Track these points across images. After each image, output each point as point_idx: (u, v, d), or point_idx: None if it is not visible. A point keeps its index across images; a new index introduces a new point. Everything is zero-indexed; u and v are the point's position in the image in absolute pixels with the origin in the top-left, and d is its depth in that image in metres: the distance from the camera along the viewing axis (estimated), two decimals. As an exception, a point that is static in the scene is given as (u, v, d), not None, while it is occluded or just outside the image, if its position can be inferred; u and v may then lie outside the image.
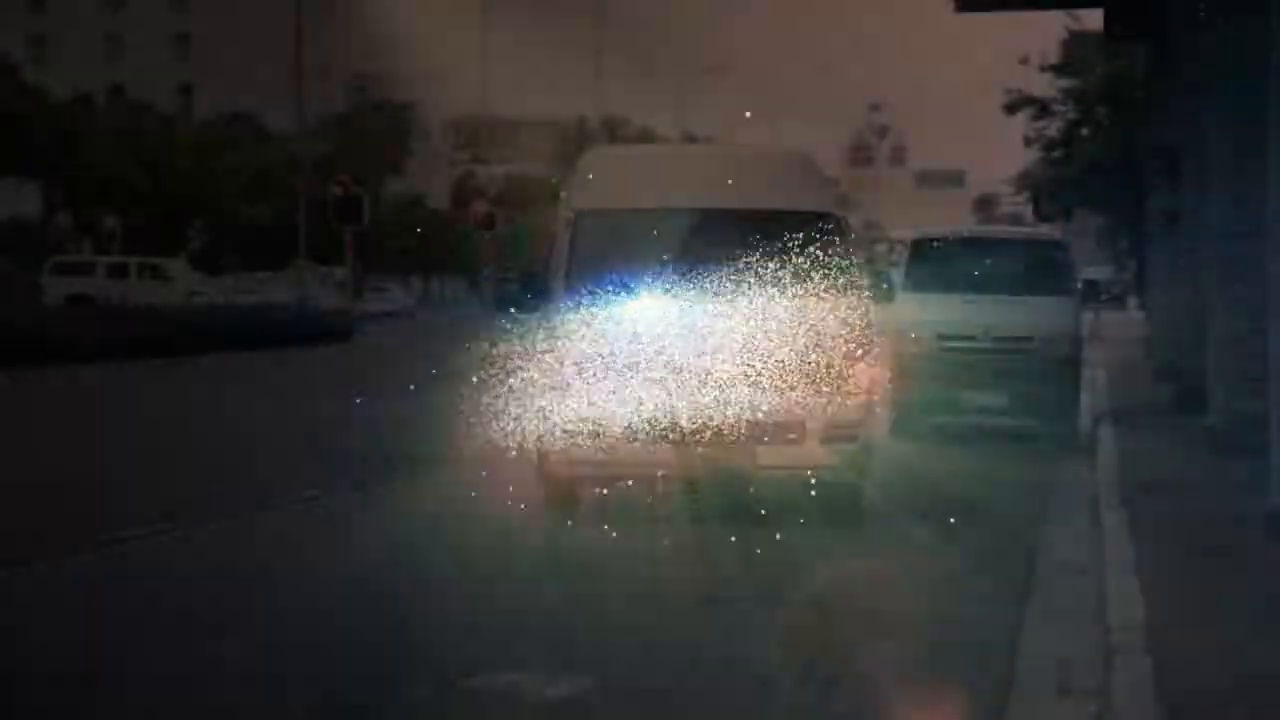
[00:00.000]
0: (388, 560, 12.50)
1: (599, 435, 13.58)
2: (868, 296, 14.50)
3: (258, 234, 79.34)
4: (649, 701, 8.46)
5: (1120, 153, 41.29)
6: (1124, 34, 32.72)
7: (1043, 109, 44.80)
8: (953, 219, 75.80)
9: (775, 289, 13.95)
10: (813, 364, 13.84)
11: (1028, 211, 56.83)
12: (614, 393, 13.54)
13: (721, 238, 14.31)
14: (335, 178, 60.41)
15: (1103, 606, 10.16)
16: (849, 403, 13.90)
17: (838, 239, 14.54)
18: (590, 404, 13.58)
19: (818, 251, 14.24)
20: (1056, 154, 46.66)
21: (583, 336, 13.56)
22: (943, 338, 22.55)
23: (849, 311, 14.11)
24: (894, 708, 8.34)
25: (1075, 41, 44.56)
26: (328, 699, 8.46)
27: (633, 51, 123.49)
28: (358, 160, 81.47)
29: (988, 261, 23.30)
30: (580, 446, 13.60)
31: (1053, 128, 45.39)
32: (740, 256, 14.07)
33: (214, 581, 11.74)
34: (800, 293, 14.02)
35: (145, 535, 13.44)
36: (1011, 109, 44.60)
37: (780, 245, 14.23)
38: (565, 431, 13.65)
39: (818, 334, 13.88)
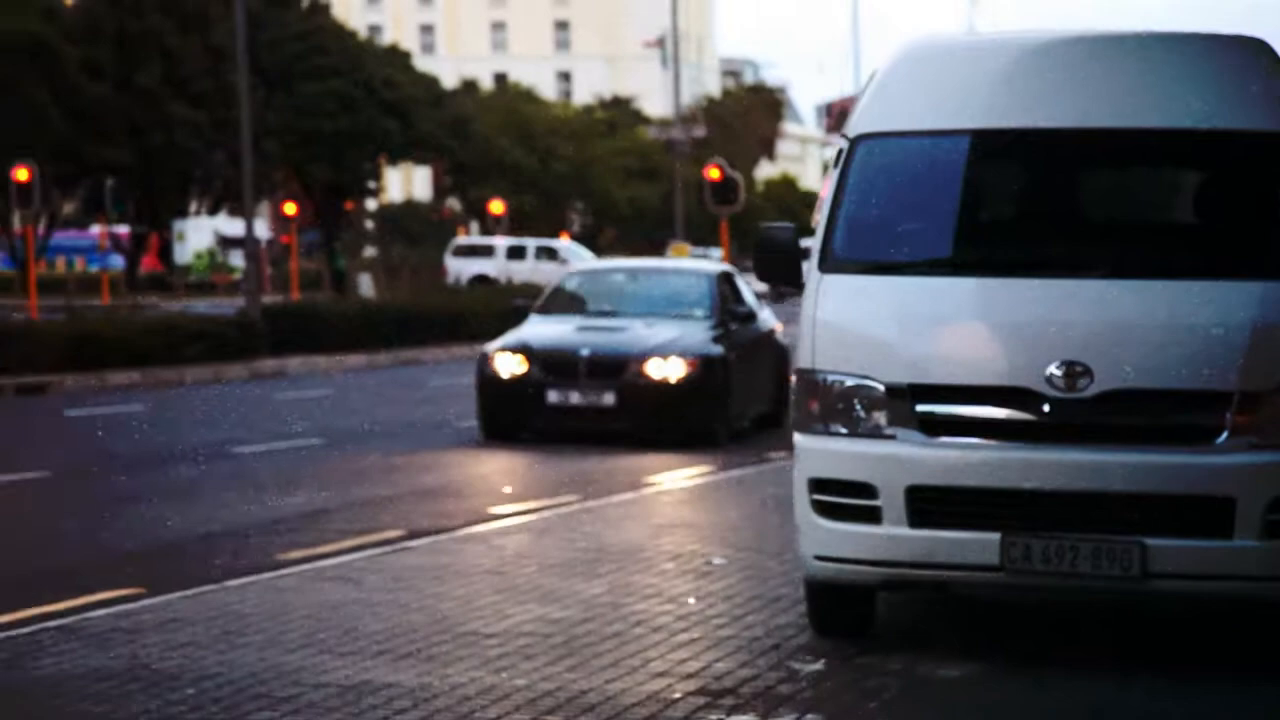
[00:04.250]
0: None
1: None
2: None
3: (635, 216, 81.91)
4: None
5: None
6: None
7: None
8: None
9: (1239, 259, 8.34)
10: None
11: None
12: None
13: (1135, 177, 9.23)
14: (710, 161, 62.44)
15: None
16: None
17: None
18: None
19: None
20: None
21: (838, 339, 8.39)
22: None
23: None
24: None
25: None
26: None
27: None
28: (732, 143, 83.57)
29: None
30: None
31: None
32: (1171, 208, 9.18)
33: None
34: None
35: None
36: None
37: (1237, 187, 8.67)
38: None
39: None
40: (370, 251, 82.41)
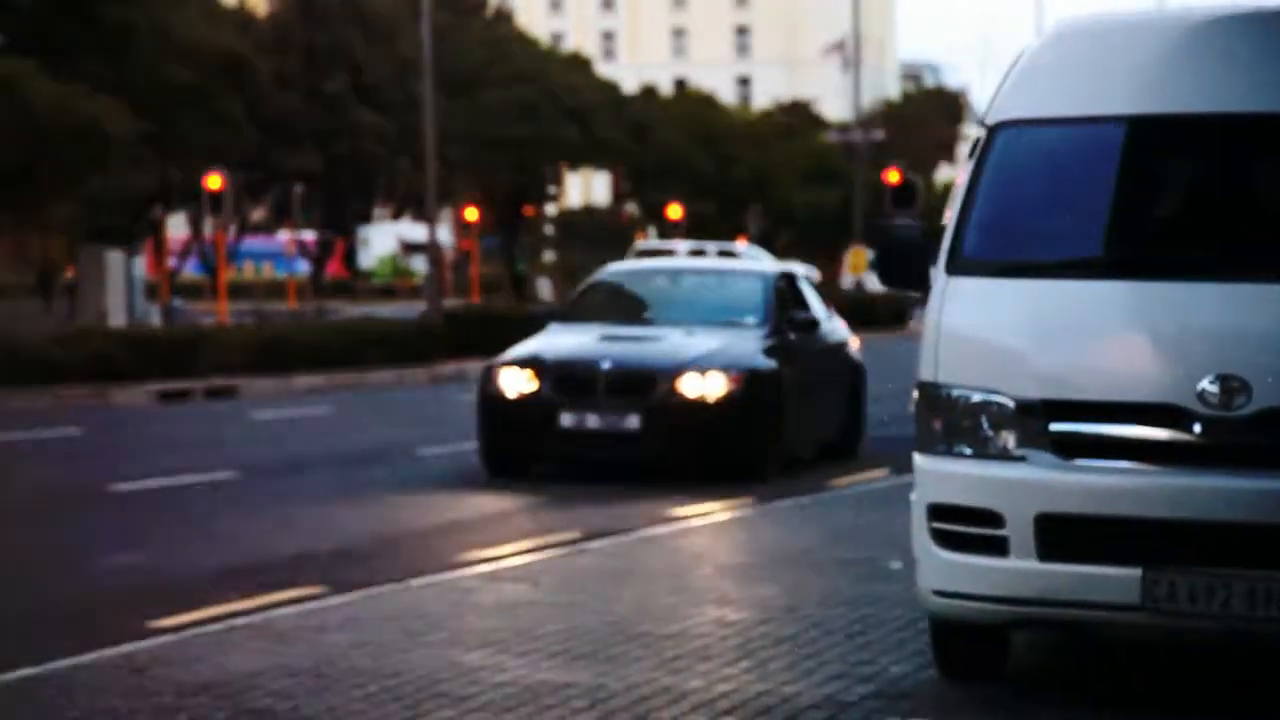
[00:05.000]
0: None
1: None
2: None
3: (813, 220, 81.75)
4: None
5: None
6: None
7: None
8: None
9: None
10: None
11: None
12: None
13: None
14: (889, 164, 62.25)
15: None
16: None
17: None
18: None
19: None
20: None
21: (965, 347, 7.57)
22: None
23: None
24: None
25: None
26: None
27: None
28: (911, 146, 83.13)
29: None
30: None
31: None
32: None
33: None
34: None
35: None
36: None
37: None
38: None
39: None
40: (550, 256, 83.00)
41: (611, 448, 15.83)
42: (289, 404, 26.00)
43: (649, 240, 72.76)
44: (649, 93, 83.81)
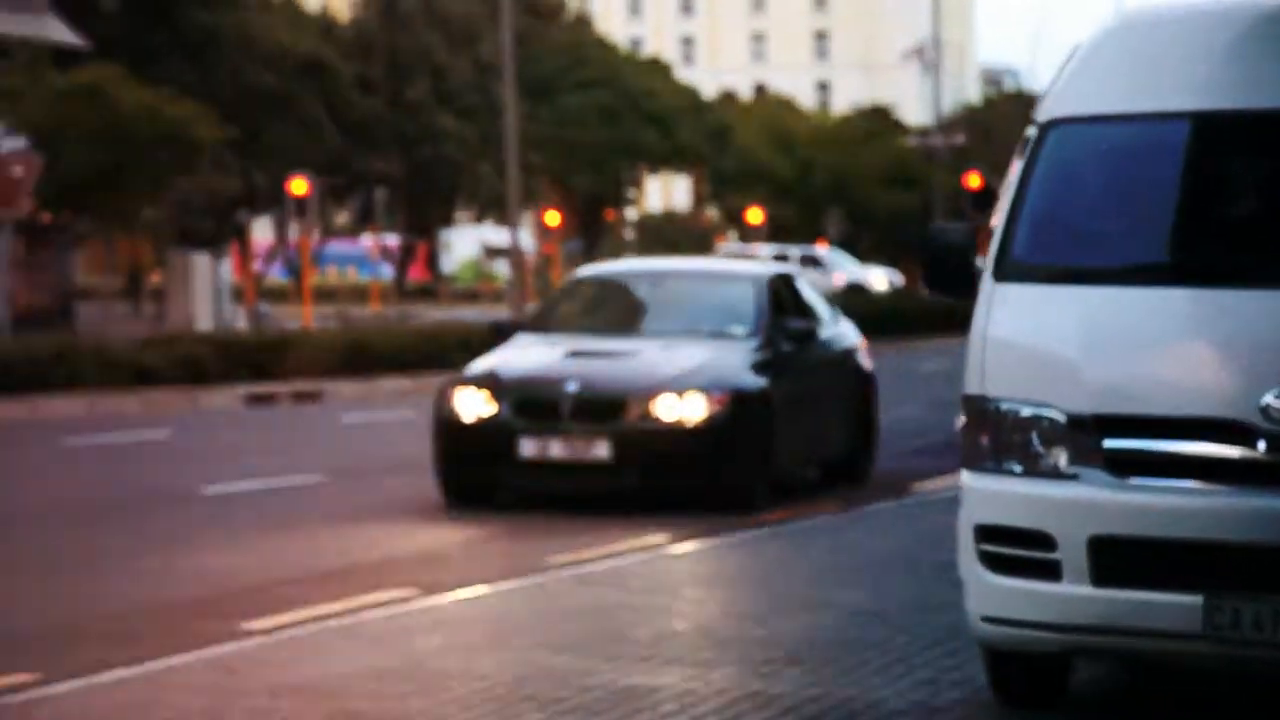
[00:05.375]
0: None
1: None
2: None
3: (893, 224, 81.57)
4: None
5: None
6: None
7: None
8: None
9: None
10: None
11: None
12: None
13: None
14: (968, 168, 62.03)
15: None
16: None
17: None
18: None
19: None
20: None
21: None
22: None
23: None
24: None
25: None
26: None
27: None
28: (991, 151, 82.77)
29: None
30: None
31: None
32: None
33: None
34: None
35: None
36: None
37: None
38: None
39: None
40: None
41: (578, 479, 14.26)
42: (374, 408, 26.16)
43: (730, 244, 72.77)
44: (728, 97, 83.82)
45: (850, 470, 16.16)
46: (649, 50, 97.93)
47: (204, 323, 41.05)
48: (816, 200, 79.02)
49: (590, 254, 68.85)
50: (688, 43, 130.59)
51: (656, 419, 14.18)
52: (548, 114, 64.92)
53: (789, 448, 14.87)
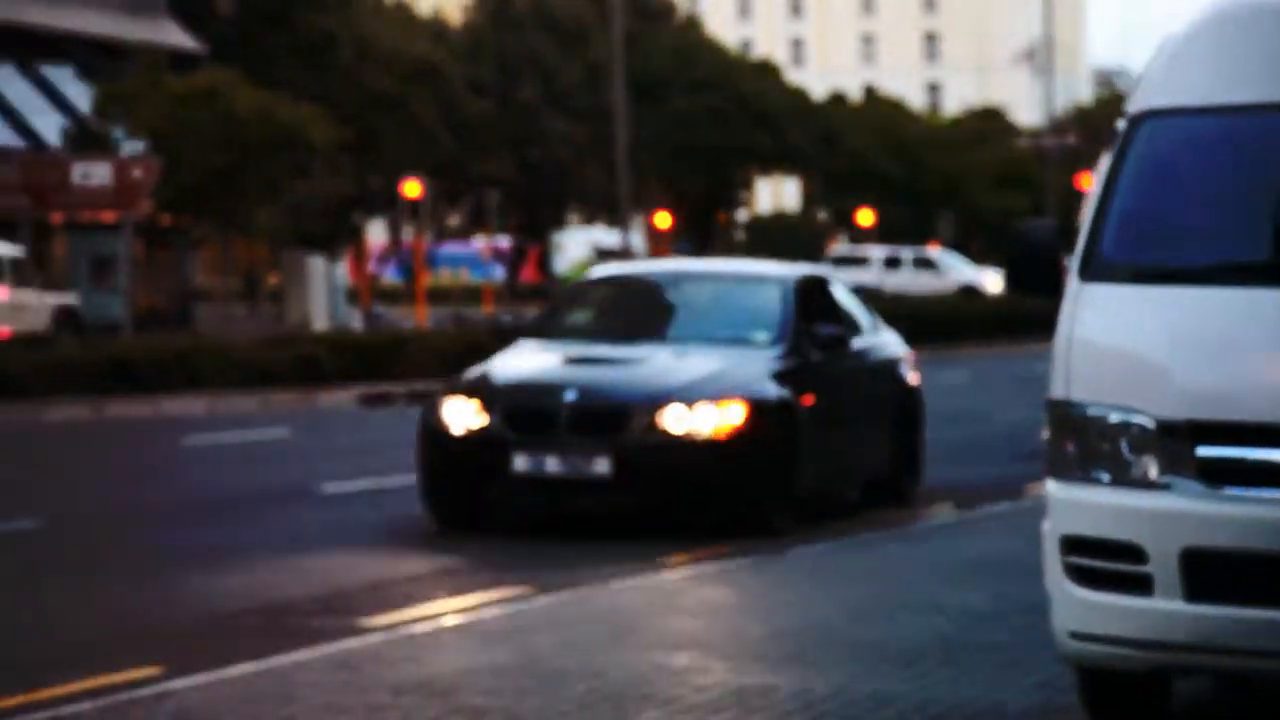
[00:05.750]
0: None
1: None
2: None
3: (1004, 225, 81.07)
4: None
5: None
6: None
7: None
8: None
9: None
10: None
11: None
12: None
13: None
14: (1080, 169, 61.56)
15: None
16: None
17: None
18: None
19: None
20: None
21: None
22: None
23: None
24: None
25: None
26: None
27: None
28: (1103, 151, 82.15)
29: None
30: None
31: None
32: None
33: None
34: None
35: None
36: None
37: None
38: None
39: None
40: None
41: (575, 497, 13.00)
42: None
43: (840, 245, 72.55)
44: (838, 99, 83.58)
45: (892, 490, 14.87)
46: (759, 52, 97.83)
47: (320, 323, 41.42)
48: (927, 202, 78.68)
49: (701, 256, 68.95)
50: (797, 44, 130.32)
51: (662, 432, 12.86)
52: (658, 116, 65.02)
53: (817, 465, 13.53)
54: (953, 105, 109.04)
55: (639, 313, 14.63)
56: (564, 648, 8.97)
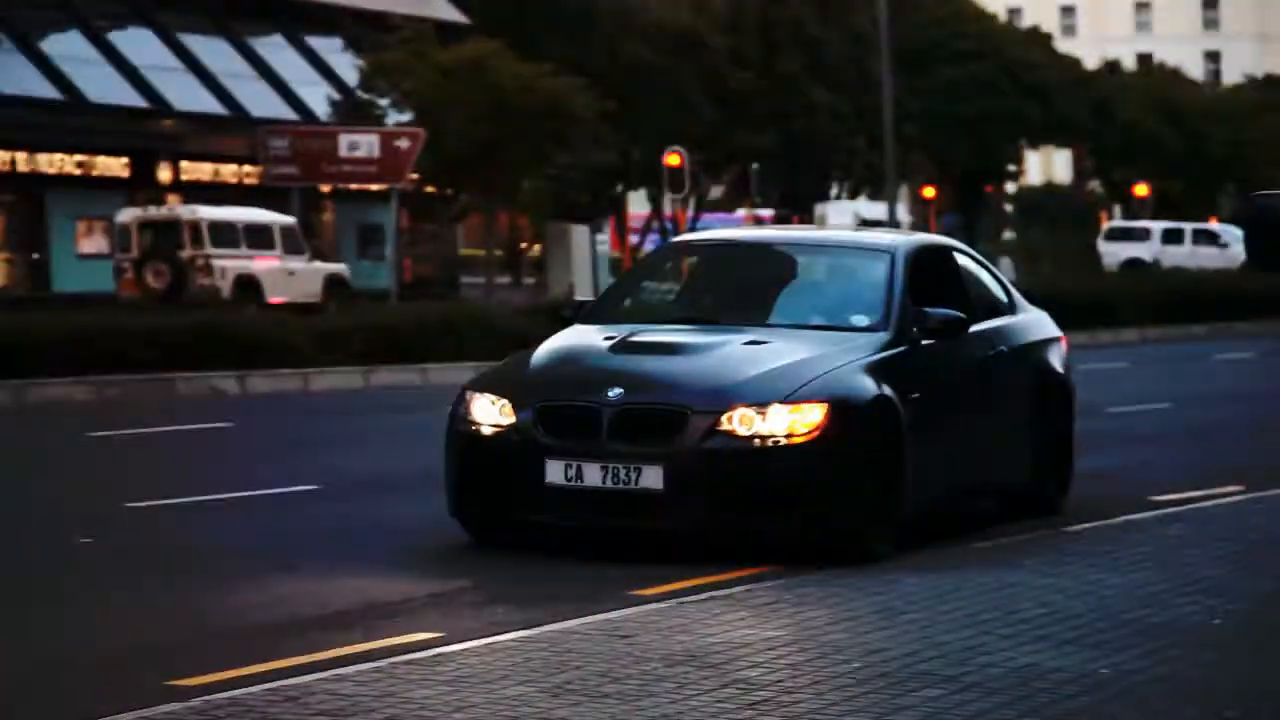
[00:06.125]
0: None
1: None
2: None
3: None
4: None
5: None
6: None
7: None
8: None
9: None
10: None
11: None
12: None
13: None
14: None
15: None
16: None
17: None
18: None
19: None
20: None
21: None
22: None
23: None
24: None
25: None
26: None
27: None
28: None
29: None
30: None
31: None
32: None
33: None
34: None
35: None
36: None
37: None
38: None
39: None
40: (1009, 235, 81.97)
41: (620, 515, 10.69)
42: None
43: (1122, 220, 71.14)
44: (1112, 68, 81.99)
45: (1035, 500, 12.64)
46: (1027, 21, 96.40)
47: (583, 293, 41.63)
48: (1207, 175, 76.87)
49: (969, 228, 68.12)
50: (1067, 13, 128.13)
51: (728, 437, 10.52)
52: (924, 86, 64.34)
53: (932, 475, 11.24)
54: (1233, 75, 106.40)
55: (715, 290, 12.32)
56: (835, 623, 8.84)
